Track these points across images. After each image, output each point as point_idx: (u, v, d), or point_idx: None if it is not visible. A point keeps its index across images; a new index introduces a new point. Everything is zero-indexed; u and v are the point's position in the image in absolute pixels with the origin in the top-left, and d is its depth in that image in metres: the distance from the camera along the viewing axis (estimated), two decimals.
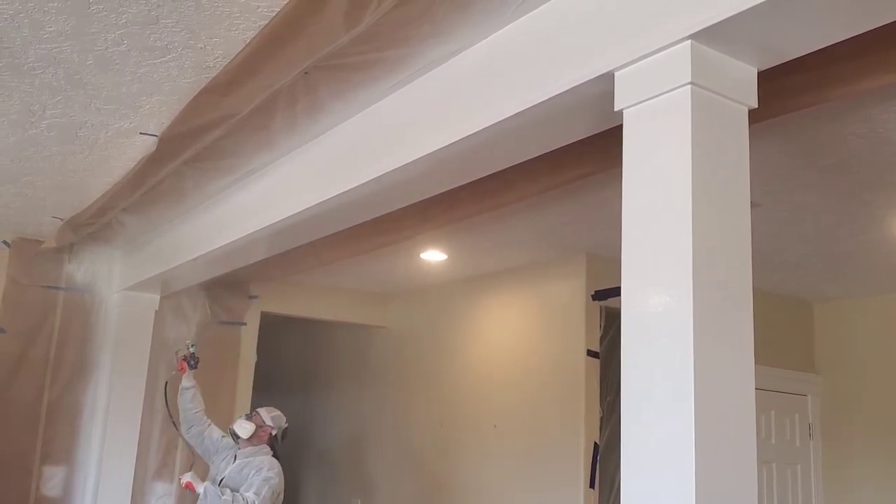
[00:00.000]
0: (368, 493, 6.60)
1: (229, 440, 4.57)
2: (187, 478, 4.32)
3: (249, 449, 4.47)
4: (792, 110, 2.45)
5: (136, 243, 5.18)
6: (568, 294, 5.08)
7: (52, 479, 5.26)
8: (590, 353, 4.91)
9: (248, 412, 4.73)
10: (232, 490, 4.26)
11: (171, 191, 3.93)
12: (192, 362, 4.75)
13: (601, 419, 4.94)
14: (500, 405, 5.41)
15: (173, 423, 4.87)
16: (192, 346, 4.80)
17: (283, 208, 3.47)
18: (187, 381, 4.73)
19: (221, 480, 4.40)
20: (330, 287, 6.35)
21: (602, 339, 4.99)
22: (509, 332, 5.49)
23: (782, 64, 1.95)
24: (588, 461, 4.79)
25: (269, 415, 4.61)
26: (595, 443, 4.83)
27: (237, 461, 4.45)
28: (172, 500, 5.50)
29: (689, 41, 1.81)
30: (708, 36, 1.79)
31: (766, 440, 5.61)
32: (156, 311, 5.56)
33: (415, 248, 5.07)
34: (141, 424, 5.42)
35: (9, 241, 5.29)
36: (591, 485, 4.79)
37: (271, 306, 6.12)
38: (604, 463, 4.87)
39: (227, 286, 5.75)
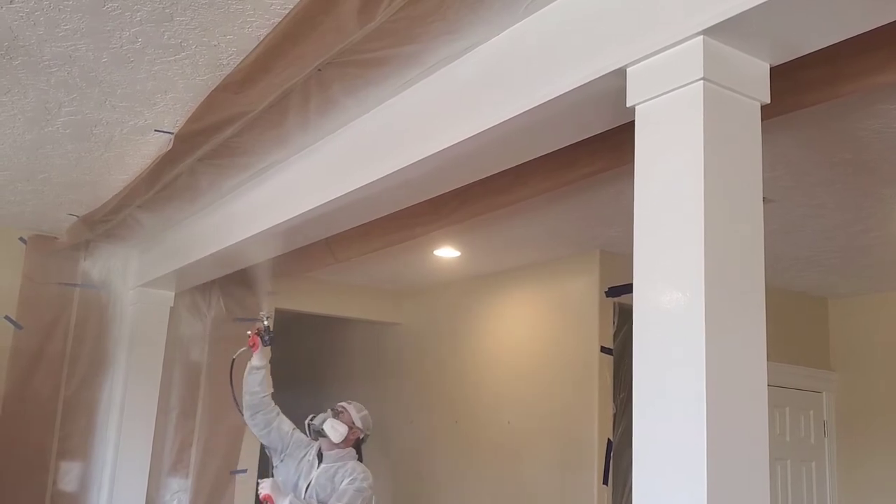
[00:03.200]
0: (382, 490, 6.61)
1: (301, 435, 4.05)
2: (266, 489, 3.75)
3: (336, 452, 3.93)
4: (806, 106, 2.44)
5: (152, 240, 5.21)
6: (581, 291, 5.08)
7: (68, 475, 5.30)
8: (603, 349, 4.91)
9: (334, 407, 4.07)
10: (320, 501, 3.80)
11: (185, 188, 3.95)
12: (267, 338, 4.12)
13: (615, 416, 4.94)
14: (514, 401, 5.41)
15: (236, 404, 4.24)
16: (266, 317, 4.17)
17: (297, 205, 3.48)
18: (259, 360, 4.12)
19: (308, 486, 3.87)
20: (344, 284, 6.37)
21: (615, 335, 4.99)
22: (523, 329, 5.50)
23: (796, 59, 1.94)
24: (601, 458, 4.79)
25: (357, 414, 4.02)
26: (608, 439, 4.83)
27: (323, 465, 3.91)
28: (187, 496, 5.53)
29: (701, 37, 1.80)
30: (720, 31, 1.79)
31: (781, 437, 5.59)
32: (171, 308, 5.58)
33: (428, 245, 5.08)
34: (156, 420, 5.44)
35: (25, 239, 5.32)
36: (605, 481, 4.79)
37: (286, 303, 6.13)
38: (617, 459, 4.86)
39: (241, 283, 5.77)
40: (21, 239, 5.31)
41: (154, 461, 5.44)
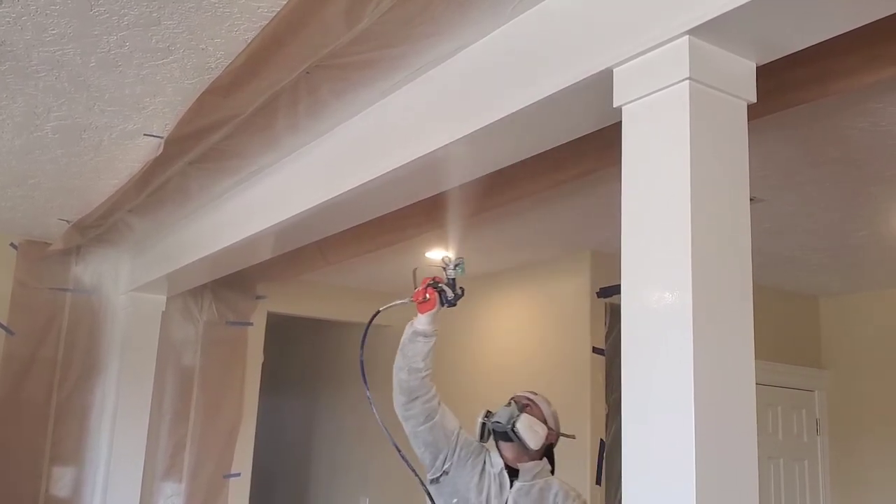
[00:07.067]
0: (376, 493, 6.61)
1: (468, 436, 2.92)
2: None
3: (532, 465, 2.83)
4: (793, 105, 2.44)
5: (143, 245, 5.20)
6: (573, 291, 5.09)
7: (61, 480, 5.29)
8: (595, 350, 4.91)
9: (515, 399, 2.97)
10: None
11: (176, 192, 3.95)
12: (452, 296, 2.88)
13: (607, 416, 4.94)
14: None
15: (364, 379, 3.15)
16: (456, 265, 2.94)
17: (288, 208, 3.48)
18: (428, 323, 2.88)
19: None
20: (336, 287, 6.36)
21: (607, 336, 4.99)
22: (514, 330, 5.50)
23: (783, 58, 1.95)
24: (594, 458, 4.79)
25: (548, 409, 2.95)
26: (601, 440, 4.84)
27: (519, 483, 2.80)
28: (181, 500, 5.52)
29: (686, 36, 1.80)
30: (706, 31, 1.79)
31: (773, 436, 5.60)
32: (163, 312, 5.57)
33: (420, 247, 5.07)
34: (149, 424, 5.43)
35: (16, 244, 5.31)
36: (598, 482, 4.79)
37: (278, 306, 6.13)
38: (609, 460, 4.87)
39: (233, 287, 5.77)
40: (12, 244, 5.30)
41: (147, 465, 5.42)
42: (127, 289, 5.48)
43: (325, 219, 3.51)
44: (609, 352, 4.95)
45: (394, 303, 3.00)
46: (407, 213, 3.59)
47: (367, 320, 3.21)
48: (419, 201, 3.34)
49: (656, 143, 1.86)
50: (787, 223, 4.21)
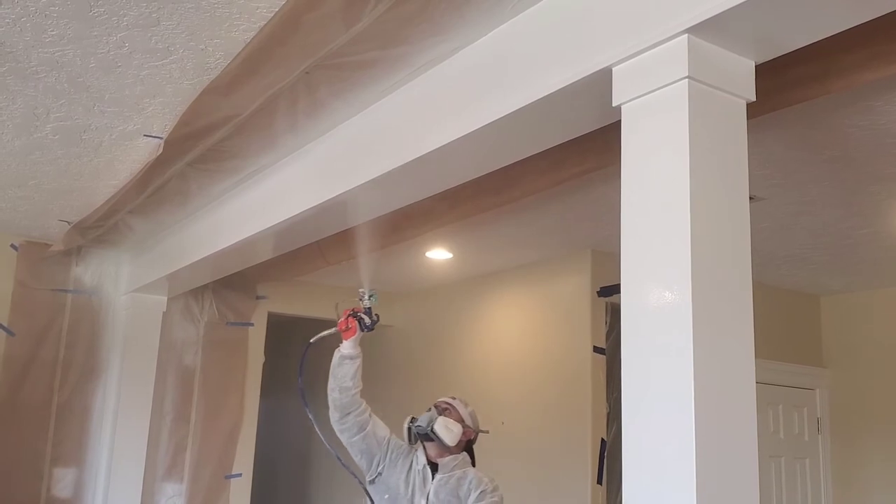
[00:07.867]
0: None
1: (399, 440, 3.34)
2: None
3: (451, 458, 3.25)
4: (793, 103, 2.44)
5: (143, 245, 5.20)
6: (573, 291, 5.08)
7: (62, 481, 5.29)
8: (596, 349, 4.91)
9: (436, 405, 3.36)
10: None
11: (175, 193, 3.95)
12: (369, 322, 3.32)
13: (608, 415, 4.94)
14: (508, 402, 5.41)
15: (303, 401, 3.45)
16: (370, 296, 3.38)
17: (288, 208, 3.48)
18: (353, 347, 3.32)
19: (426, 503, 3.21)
20: (336, 287, 6.35)
21: (608, 335, 4.99)
22: (515, 330, 5.50)
23: (782, 56, 1.95)
24: (595, 457, 4.79)
25: (466, 410, 3.34)
26: (602, 439, 4.84)
27: (439, 476, 3.22)
28: (182, 501, 5.52)
29: (685, 35, 1.81)
30: (704, 30, 1.80)
31: (775, 434, 5.60)
32: (164, 313, 5.57)
33: (420, 247, 5.08)
34: (150, 425, 5.43)
35: (17, 245, 5.31)
36: (599, 481, 4.79)
37: (278, 307, 6.13)
38: (611, 459, 4.87)
39: (234, 287, 5.77)
40: (12, 245, 5.30)
41: (148, 466, 5.42)
42: (127, 289, 5.48)
43: (324, 219, 3.51)
44: (610, 351, 4.95)
45: (323, 333, 3.44)
46: (407, 213, 3.59)
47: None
48: (419, 201, 3.34)
49: (656, 142, 1.86)
50: (787, 222, 4.20)
